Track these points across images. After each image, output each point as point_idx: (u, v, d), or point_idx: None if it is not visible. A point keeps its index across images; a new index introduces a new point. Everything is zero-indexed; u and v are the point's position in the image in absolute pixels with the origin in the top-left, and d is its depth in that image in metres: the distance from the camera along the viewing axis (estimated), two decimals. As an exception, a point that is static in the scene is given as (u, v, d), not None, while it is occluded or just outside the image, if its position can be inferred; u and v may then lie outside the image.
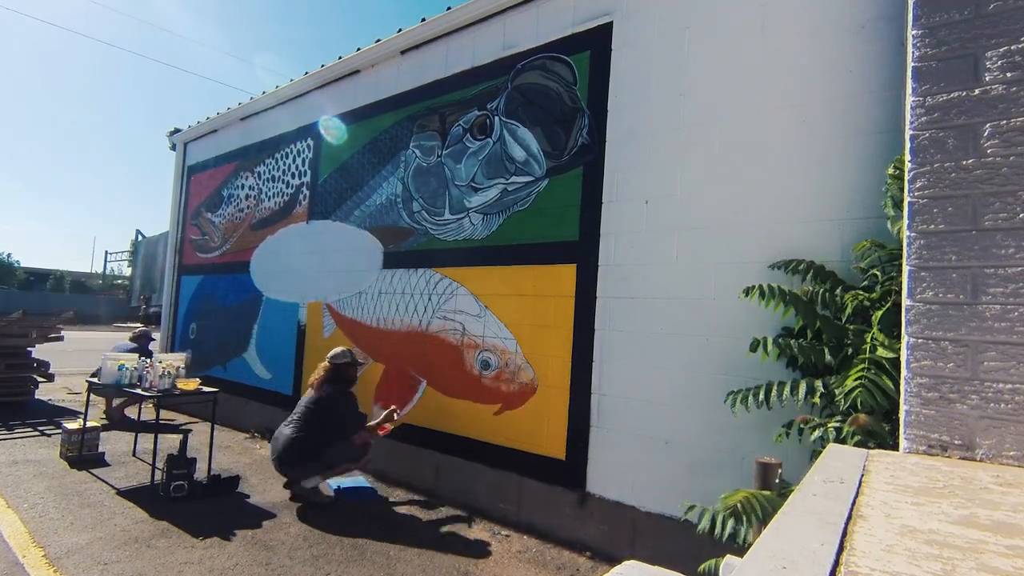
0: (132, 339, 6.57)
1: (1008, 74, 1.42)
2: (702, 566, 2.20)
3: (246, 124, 7.03)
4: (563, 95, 3.86)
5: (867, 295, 2.39)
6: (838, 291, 2.54)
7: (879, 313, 2.27)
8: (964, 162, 1.45)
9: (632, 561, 1.06)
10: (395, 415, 4.36)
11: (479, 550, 3.42)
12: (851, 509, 0.89)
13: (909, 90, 1.56)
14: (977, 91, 1.46)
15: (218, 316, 7.07)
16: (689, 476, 3.08)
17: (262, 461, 5.11)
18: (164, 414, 6.40)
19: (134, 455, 5.00)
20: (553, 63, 3.94)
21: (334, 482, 4.30)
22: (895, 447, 1.62)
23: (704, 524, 2.35)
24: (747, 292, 2.60)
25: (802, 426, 2.48)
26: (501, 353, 4.02)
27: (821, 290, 2.58)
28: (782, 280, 2.76)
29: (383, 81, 5.20)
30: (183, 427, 5.74)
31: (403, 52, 5.03)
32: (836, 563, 0.67)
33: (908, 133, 1.54)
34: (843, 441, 2.11)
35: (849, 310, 2.42)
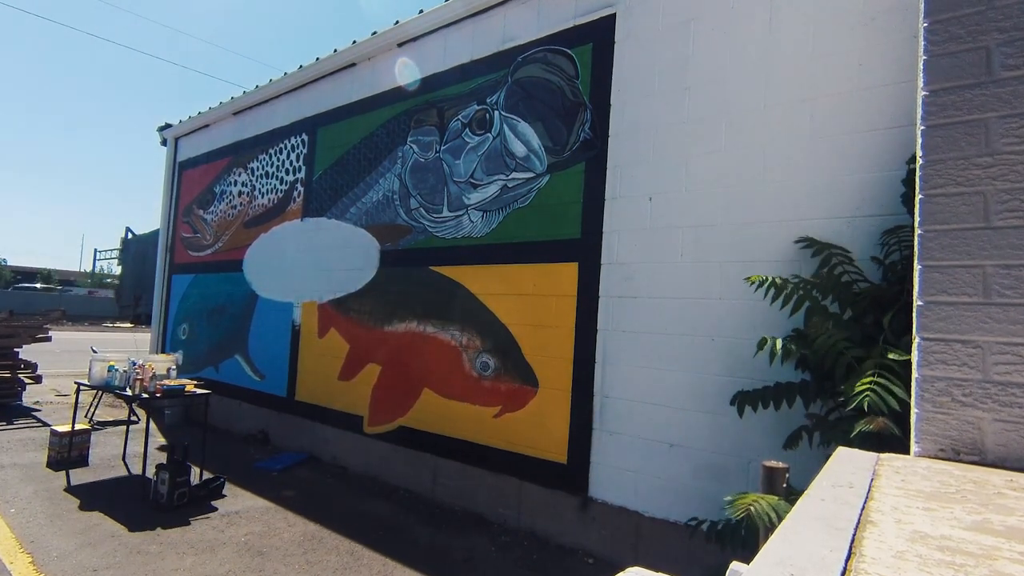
0: None
1: (1022, 68, 1.37)
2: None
3: (239, 119, 6.91)
4: (564, 89, 3.78)
5: (880, 292, 2.32)
6: (853, 286, 2.47)
7: (889, 315, 2.21)
8: (977, 158, 1.40)
9: (636, 568, 1.00)
10: None
11: (478, 557, 3.34)
12: (860, 514, 0.86)
13: (920, 84, 1.50)
14: (990, 85, 1.41)
15: (210, 316, 6.96)
16: (694, 480, 3.01)
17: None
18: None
19: (123, 459, 4.90)
20: (554, 56, 3.86)
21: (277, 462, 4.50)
22: (906, 450, 1.57)
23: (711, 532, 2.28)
24: (760, 283, 2.50)
25: (810, 425, 2.42)
26: (501, 354, 3.93)
27: (834, 283, 2.50)
28: (792, 270, 2.70)
29: (380, 75, 5.10)
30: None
31: (400, 45, 4.93)
32: (845, 569, 0.65)
33: (919, 128, 1.48)
34: (851, 443, 2.05)
35: (861, 308, 2.36)
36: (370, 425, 4.78)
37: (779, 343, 2.43)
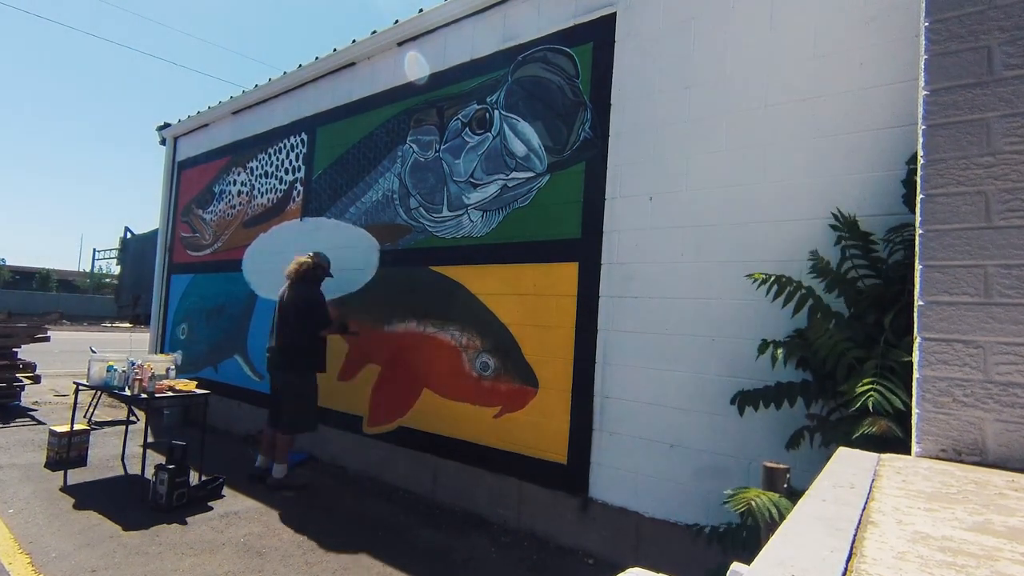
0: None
1: (1023, 68, 1.36)
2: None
3: (238, 118, 6.89)
4: (565, 88, 3.77)
5: (881, 292, 2.32)
6: (858, 283, 2.46)
7: (890, 315, 2.20)
8: (978, 158, 1.39)
9: (636, 568, 1.00)
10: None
11: (478, 558, 3.33)
12: (861, 515, 0.86)
13: (921, 83, 1.49)
14: (991, 84, 1.40)
15: (209, 316, 6.94)
16: (695, 481, 3.00)
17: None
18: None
19: (122, 459, 4.89)
20: (555, 55, 3.85)
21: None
22: (908, 451, 1.57)
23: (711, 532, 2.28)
24: (763, 281, 2.49)
25: (811, 425, 2.42)
26: (501, 354, 3.93)
27: (835, 283, 2.49)
28: (792, 270, 2.69)
29: (379, 74, 5.09)
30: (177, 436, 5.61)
31: (400, 44, 4.92)
32: (846, 570, 0.65)
33: (920, 128, 1.47)
34: (852, 445, 2.05)
35: (863, 307, 2.35)
36: (370, 425, 4.77)
37: (780, 351, 2.42)
